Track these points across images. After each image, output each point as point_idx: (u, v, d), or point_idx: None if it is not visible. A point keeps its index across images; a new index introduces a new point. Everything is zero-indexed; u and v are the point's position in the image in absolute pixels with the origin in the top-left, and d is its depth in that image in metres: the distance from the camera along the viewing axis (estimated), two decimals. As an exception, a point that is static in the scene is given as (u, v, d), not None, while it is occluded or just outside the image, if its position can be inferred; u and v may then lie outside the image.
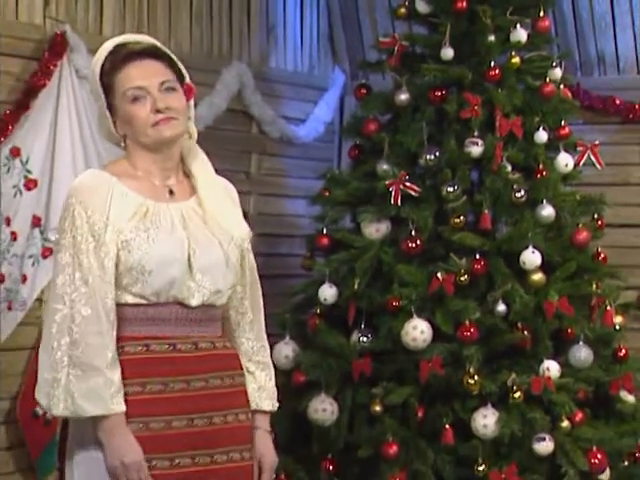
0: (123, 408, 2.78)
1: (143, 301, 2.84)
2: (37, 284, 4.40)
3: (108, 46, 2.90)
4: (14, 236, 4.34)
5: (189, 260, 2.85)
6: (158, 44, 2.93)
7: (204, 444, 2.85)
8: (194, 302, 2.87)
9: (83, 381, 2.76)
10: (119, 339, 2.84)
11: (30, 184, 4.38)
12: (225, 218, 2.92)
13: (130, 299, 2.84)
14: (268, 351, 3.06)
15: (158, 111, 2.84)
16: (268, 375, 3.03)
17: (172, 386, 2.84)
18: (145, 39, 2.94)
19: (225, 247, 2.90)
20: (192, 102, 2.98)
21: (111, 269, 2.81)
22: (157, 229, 2.84)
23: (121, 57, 2.87)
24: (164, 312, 2.86)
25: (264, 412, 3.01)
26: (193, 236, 2.87)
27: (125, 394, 2.81)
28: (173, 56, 2.93)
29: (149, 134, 2.86)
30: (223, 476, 2.87)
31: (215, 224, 2.90)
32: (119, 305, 2.84)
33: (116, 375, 2.78)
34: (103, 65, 2.88)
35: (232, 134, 5.25)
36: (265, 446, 2.99)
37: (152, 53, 2.89)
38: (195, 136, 3.00)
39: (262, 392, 3.00)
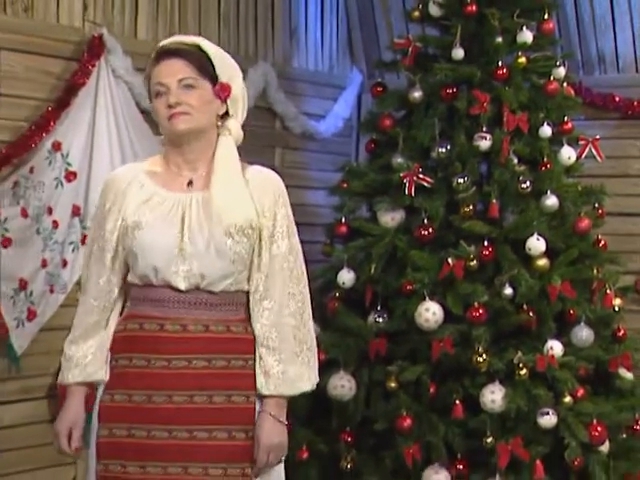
0: (74, 380, 2.92)
1: (140, 282, 2.89)
2: (76, 268, 4.41)
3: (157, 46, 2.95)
4: (55, 224, 4.36)
5: (183, 246, 2.85)
6: (202, 44, 2.91)
7: (182, 420, 2.83)
8: (182, 286, 2.86)
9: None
10: (125, 317, 2.93)
11: (70, 176, 4.39)
12: (223, 207, 2.85)
13: (134, 279, 2.91)
14: (290, 336, 2.91)
15: (170, 106, 2.85)
16: (277, 360, 2.89)
17: (154, 363, 2.85)
18: (186, 39, 2.94)
19: (212, 234, 2.85)
20: (237, 100, 2.95)
21: (109, 253, 2.90)
22: (154, 217, 2.87)
23: (155, 57, 2.90)
24: (158, 294, 2.88)
25: (267, 397, 2.89)
26: (191, 224, 2.86)
27: (117, 367, 2.90)
28: (212, 54, 2.91)
29: (166, 127, 2.90)
30: (203, 452, 2.83)
31: (214, 213, 2.85)
32: (129, 285, 2.93)
33: (77, 351, 2.93)
34: (148, 64, 2.93)
35: (257, 130, 5.25)
36: (262, 429, 2.87)
37: (178, 52, 2.88)
38: (236, 133, 2.95)
39: (267, 377, 2.89)
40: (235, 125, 2.96)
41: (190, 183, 2.92)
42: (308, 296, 2.99)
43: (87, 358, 2.91)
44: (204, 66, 2.89)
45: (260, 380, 2.89)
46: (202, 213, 2.87)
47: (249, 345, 2.90)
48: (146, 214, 2.87)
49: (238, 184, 2.90)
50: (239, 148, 3.00)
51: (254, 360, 2.90)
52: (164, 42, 2.95)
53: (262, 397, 2.89)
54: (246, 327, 2.91)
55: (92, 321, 2.91)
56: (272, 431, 2.88)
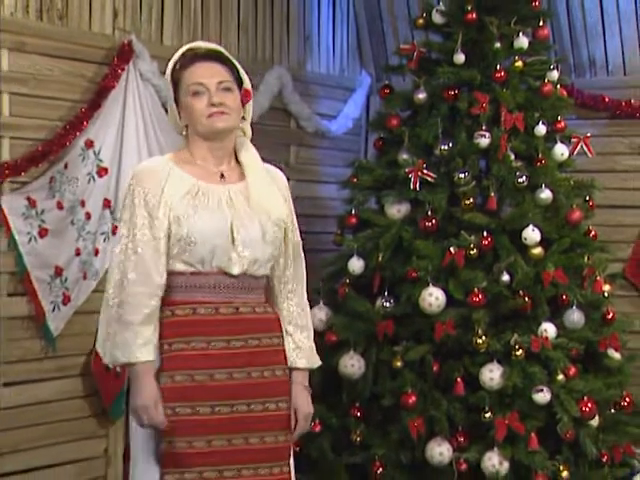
0: (148, 358, 2.82)
1: (191, 269, 2.87)
2: (108, 257, 4.42)
3: (182, 49, 2.95)
4: (88, 216, 4.37)
5: (232, 234, 2.86)
6: (224, 51, 2.96)
7: (242, 395, 2.87)
8: (235, 271, 2.88)
9: (119, 334, 2.82)
10: (171, 303, 2.88)
11: (102, 172, 4.40)
12: (266, 200, 2.92)
13: (180, 267, 2.87)
14: (308, 315, 3.05)
15: (213, 105, 2.86)
16: (306, 337, 3.02)
17: (214, 344, 2.86)
18: (213, 46, 2.99)
19: (263, 224, 2.91)
20: (250, 105, 2.99)
21: (163, 240, 2.84)
22: (204, 206, 2.87)
23: (189, 58, 2.92)
24: (210, 280, 2.88)
25: (300, 369, 3.00)
26: (237, 213, 2.89)
27: (174, 350, 2.85)
28: (236, 63, 2.96)
29: (204, 124, 2.89)
30: (259, 423, 2.88)
31: (257, 205, 2.91)
32: (172, 273, 2.87)
33: (147, 330, 2.82)
34: (175, 64, 2.92)
35: (274, 129, 5.25)
36: (300, 399, 2.98)
37: (215, 57, 2.92)
38: (249, 134, 3.02)
39: (299, 352, 2.99)
40: (248, 127, 3.03)
41: (222, 176, 2.94)
42: None
43: (153, 339, 2.84)
44: (234, 72, 2.93)
45: (293, 355, 2.98)
46: (245, 204, 2.90)
47: (279, 324, 2.98)
48: (194, 204, 2.86)
49: (269, 180, 2.98)
50: (256, 145, 3.05)
51: (282, 337, 2.97)
52: (192, 46, 2.96)
53: (293, 370, 2.97)
54: (273, 308, 3.00)
55: (157, 304, 2.84)
56: (308, 400, 2.99)
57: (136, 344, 2.80)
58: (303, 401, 2.98)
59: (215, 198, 2.88)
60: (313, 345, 3.04)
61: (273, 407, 2.91)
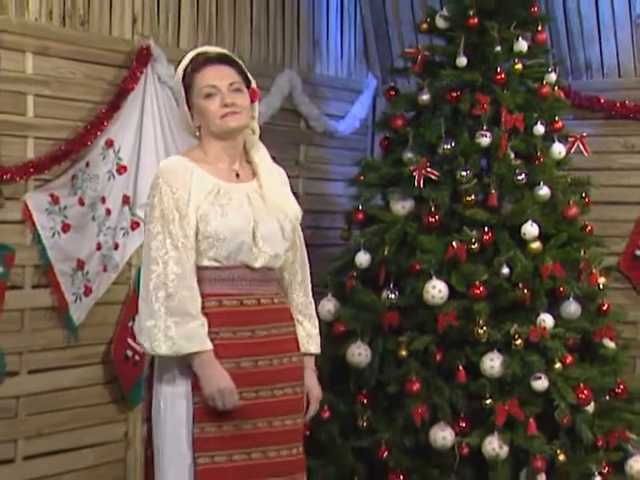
0: (210, 347, 2.82)
1: (216, 264, 2.88)
2: (127, 251, 4.44)
3: (191, 54, 2.96)
4: (108, 212, 4.38)
5: (253, 230, 2.89)
6: (232, 55, 3.00)
7: (266, 381, 2.89)
8: (257, 264, 2.90)
9: (182, 326, 2.78)
10: None
11: (121, 169, 4.41)
12: (281, 199, 2.96)
13: (205, 262, 2.88)
14: (313, 305, 3.11)
15: (226, 105, 2.87)
16: (314, 325, 3.08)
17: (240, 334, 2.88)
18: (221, 49, 3.00)
19: (281, 221, 2.95)
20: (256, 104, 3.01)
21: (192, 237, 2.84)
22: (229, 205, 2.88)
23: (200, 61, 2.92)
24: (234, 273, 2.89)
25: (311, 354, 3.07)
26: (256, 211, 2.91)
27: None
28: (242, 64, 2.99)
29: (217, 124, 2.89)
30: (280, 407, 2.92)
31: (272, 203, 2.93)
32: (197, 268, 2.87)
33: (205, 320, 2.82)
34: (186, 68, 2.93)
35: (284, 129, 5.26)
36: (312, 382, 3.05)
37: (225, 60, 2.93)
38: (257, 132, 3.04)
39: (309, 338, 3.06)
40: (256, 125, 3.05)
41: (237, 175, 2.95)
42: None
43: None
44: (243, 73, 2.94)
45: (304, 341, 3.03)
46: (261, 202, 2.93)
47: (290, 313, 3.03)
48: (220, 203, 2.87)
49: (279, 179, 3.02)
50: (267, 145, 3.07)
51: (293, 326, 3.02)
52: (198, 51, 2.97)
53: (304, 355, 3.02)
54: (284, 298, 3.03)
55: (200, 300, 2.85)
56: (317, 384, 3.06)
57: (203, 333, 2.80)
58: (315, 385, 3.05)
59: (237, 197, 2.90)
60: (318, 332, 3.11)
61: (291, 392, 2.95)
